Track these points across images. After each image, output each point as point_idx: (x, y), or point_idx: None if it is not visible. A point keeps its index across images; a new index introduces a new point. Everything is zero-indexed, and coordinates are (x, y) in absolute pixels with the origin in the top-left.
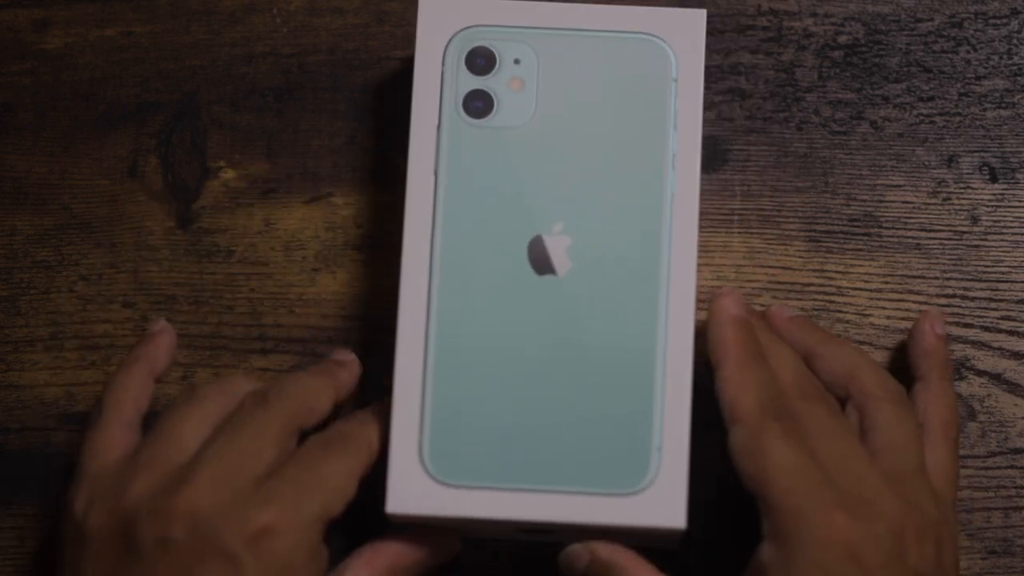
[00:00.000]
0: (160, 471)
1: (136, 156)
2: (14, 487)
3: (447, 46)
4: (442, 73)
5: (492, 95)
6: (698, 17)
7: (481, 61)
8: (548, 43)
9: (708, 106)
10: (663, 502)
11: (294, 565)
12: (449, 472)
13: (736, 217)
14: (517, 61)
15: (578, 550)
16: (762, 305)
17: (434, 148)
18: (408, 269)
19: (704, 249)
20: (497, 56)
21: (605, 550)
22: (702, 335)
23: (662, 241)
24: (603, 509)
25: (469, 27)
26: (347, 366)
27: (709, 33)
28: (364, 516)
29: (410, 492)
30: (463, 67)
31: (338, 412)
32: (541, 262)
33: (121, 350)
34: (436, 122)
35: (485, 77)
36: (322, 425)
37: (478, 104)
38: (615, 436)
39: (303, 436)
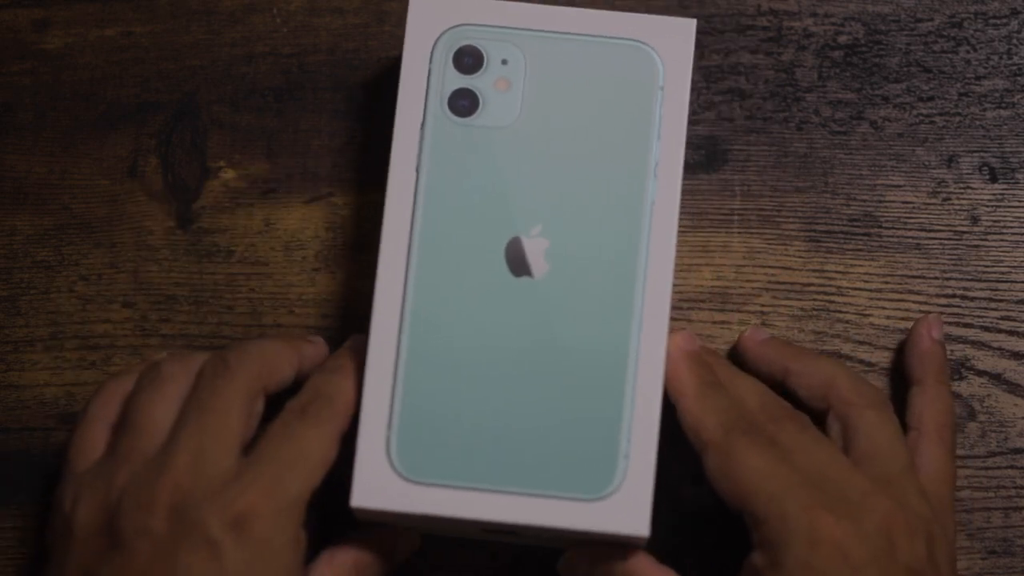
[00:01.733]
0: (138, 460)
1: (136, 156)
2: (14, 487)
3: (435, 43)
4: (429, 70)
5: (478, 94)
6: (687, 26)
7: (468, 60)
8: (536, 45)
9: (708, 106)
10: (627, 509)
11: (274, 549)
12: (415, 469)
13: (736, 217)
14: (504, 62)
15: (576, 556)
16: (762, 305)
17: (417, 144)
18: (385, 264)
19: (704, 249)
20: (485, 56)
21: (607, 558)
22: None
23: (640, 249)
24: (567, 513)
25: (458, 25)
26: (315, 345)
27: (709, 33)
28: (333, 510)
29: (375, 487)
30: (450, 65)
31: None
32: (518, 263)
33: (121, 350)
34: (420, 119)
35: (472, 76)
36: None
37: (463, 103)
38: (583, 441)
39: (270, 402)
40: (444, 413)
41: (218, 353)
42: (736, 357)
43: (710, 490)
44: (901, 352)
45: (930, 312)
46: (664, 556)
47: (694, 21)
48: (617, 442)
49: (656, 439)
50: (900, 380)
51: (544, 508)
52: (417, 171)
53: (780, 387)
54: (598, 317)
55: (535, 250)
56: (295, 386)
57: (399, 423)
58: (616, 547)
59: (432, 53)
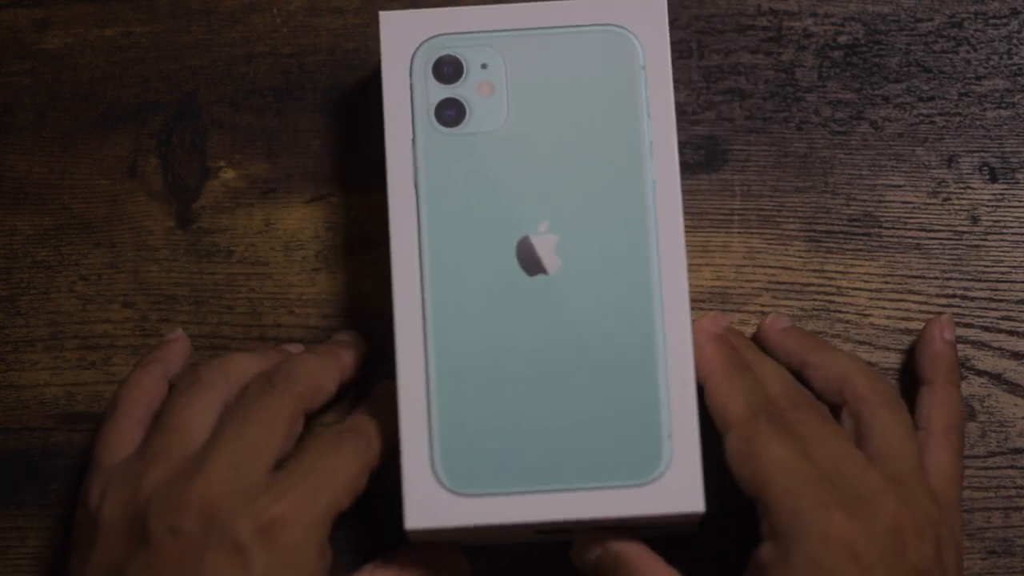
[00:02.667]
0: (172, 461)
1: (136, 156)
2: (14, 487)
3: (413, 58)
4: (411, 85)
5: (463, 102)
6: (659, 3)
7: (448, 69)
8: (513, 45)
9: (708, 106)
10: (680, 488)
11: (301, 559)
12: (464, 481)
13: (736, 217)
14: (484, 66)
15: (588, 541)
16: (762, 305)
17: (411, 161)
18: (399, 284)
19: (704, 249)
20: (464, 63)
21: (614, 542)
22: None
23: (648, 229)
24: (621, 501)
25: (432, 37)
26: (351, 346)
27: (709, 33)
28: (383, 535)
29: (427, 506)
30: (431, 77)
31: (343, 392)
32: (531, 263)
33: (121, 350)
34: (410, 135)
35: (454, 85)
36: (327, 406)
37: (450, 113)
38: (625, 428)
39: (309, 419)
40: (483, 422)
41: (265, 373)
42: (756, 343)
43: (718, 483)
44: (909, 352)
45: (930, 312)
46: (672, 547)
47: None
48: (659, 423)
49: (696, 414)
50: (902, 379)
51: (598, 500)
52: (416, 187)
53: (797, 377)
54: (619, 303)
55: (546, 247)
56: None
57: (440, 439)
58: (626, 532)
59: (411, 68)
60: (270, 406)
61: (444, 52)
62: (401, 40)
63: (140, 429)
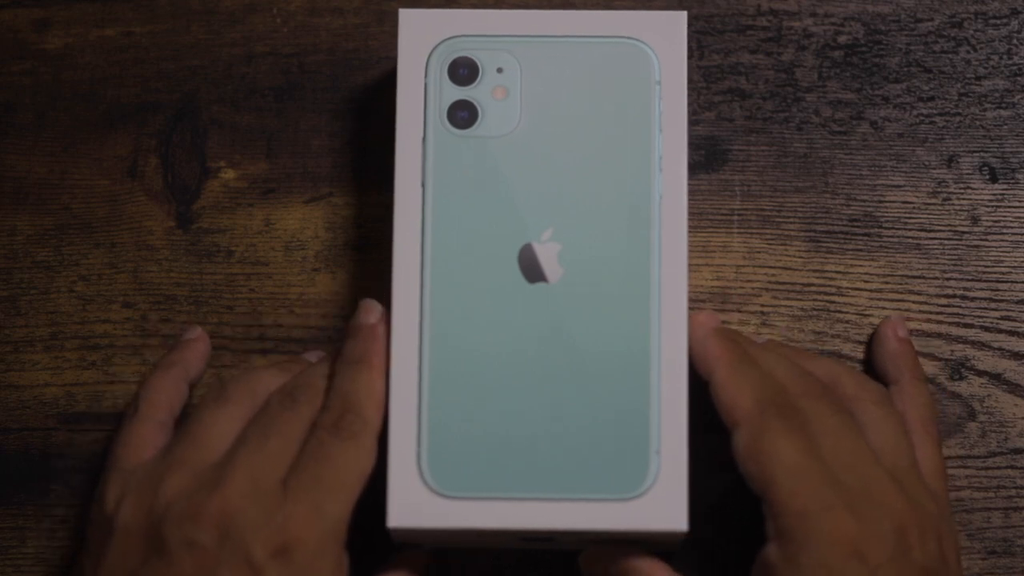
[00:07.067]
0: (192, 471)
1: (136, 156)
2: (14, 487)
3: (429, 57)
4: (425, 85)
5: (476, 105)
6: (678, 19)
7: (464, 71)
8: (530, 51)
9: (708, 106)
10: (664, 505)
11: (316, 574)
12: (449, 484)
13: (736, 217)
14: (500, 70)
15: (604, 552)
16: (762, 305)
17: (420, 160)
18: (399, 282)
19: (704, 249)
20: (479, 66)
21: (634, 557)
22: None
23: (652, 244)
24: (604, 515)
25: (450, 38)
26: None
27: (709, 33)
28: (370, 532)
29: (411, 505)
30: (446, 78)
31: None
32: (532, 270)
33: (121, 350)
34: (421, 134)
35: (468, 87)
36: None
37: (463, 114)
38: (613, 441)
39: None
40: (473, 426)
41: (286, 387)
42: None
43: (712, 487)
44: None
45: (930, 312)
46: (667, 553)
47: (684, 13)
48: (647, 439)
49: (686, 433)
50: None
51: (581, 512)
52: (423, 186)
53: None
54: (617, 315)
55: (548, 255)
56: None
57: (429, 439)
58: (639, 548)
59: (427, 67)
60: (290, 421)
61: (461, 53)
62: (419, 38)
63: (160, 432)
